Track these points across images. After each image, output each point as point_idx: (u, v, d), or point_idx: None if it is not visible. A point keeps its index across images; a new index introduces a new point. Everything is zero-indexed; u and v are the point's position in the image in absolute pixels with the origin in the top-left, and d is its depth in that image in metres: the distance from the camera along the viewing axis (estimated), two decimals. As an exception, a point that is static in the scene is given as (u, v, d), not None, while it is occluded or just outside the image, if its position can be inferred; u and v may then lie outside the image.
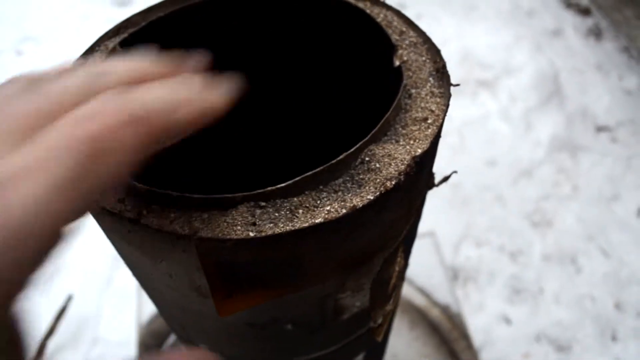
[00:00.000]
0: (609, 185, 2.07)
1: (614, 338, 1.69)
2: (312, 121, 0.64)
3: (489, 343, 1.69)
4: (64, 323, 1.76)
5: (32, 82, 0.28)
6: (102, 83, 0.27)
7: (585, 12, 2.71)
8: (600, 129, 2.25)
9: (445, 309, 1.46)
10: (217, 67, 0.54)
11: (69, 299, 1.78)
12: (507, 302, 1.80)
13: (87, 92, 0.26)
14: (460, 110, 2.22)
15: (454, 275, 1.86)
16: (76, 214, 0.25)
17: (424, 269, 1.52)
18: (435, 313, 1.44)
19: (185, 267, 0.34)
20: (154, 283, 0.41)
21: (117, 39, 0.46)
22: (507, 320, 1.75)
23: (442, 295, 1.49)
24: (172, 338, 1.48)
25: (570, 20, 2.68)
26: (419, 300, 1.47)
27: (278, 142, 0.67)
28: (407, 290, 1.44)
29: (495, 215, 2.01)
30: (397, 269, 0.41)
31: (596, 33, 2.60)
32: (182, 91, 0.29)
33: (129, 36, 0.45)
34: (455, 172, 0.44)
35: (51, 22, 2.85)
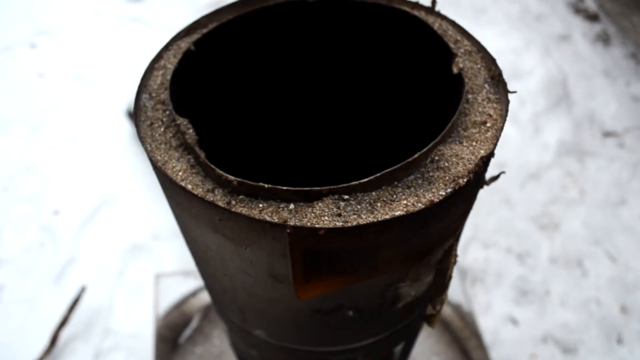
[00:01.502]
0: (616, 190, 2.11)
1: (619, 341, 1.72)
2: (367, 121, 0.67)
3: (496, 343, 1.72)
4: (77, 314, 1.79)
5: None
6: None
7: (593, 18, 2.74)
8: (607, 134, 2.28)
9: (456, 308, 1.49)
10: (280, 68, 0.57)
11: (82, 290, 1.80)
12: (514, 303, 1.83)
13: None
14: (470, 113, 2.25)
15: (462, 276, 1.89)
16: None
17: (437, 268, 1.55)
18: (447, 311, 1.47)
19: (269, 254, 0.37)
20: (227, 269, 0.44)
21: (189, 39, 0.49)
22: (514, 321, 1.78)
23: (454, 294, 1.52)
24: (189, 331, 1.51)
25: (578, 26, 2.71)
26: (431, 298, 1.50)
27: (331, 138, 0.70)
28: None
29: (503, 218, 2.04)
30: (453, 260, 0.44)
31: (604, 39, 2.64)
32: None
33: (202, 37, 0.48)
34: (503, 172, 0.47)
35: (65, 16, 2.88)
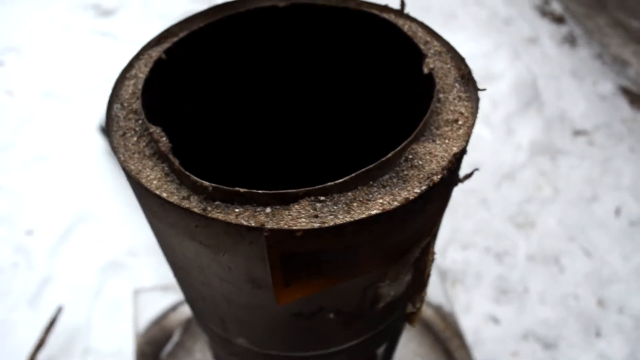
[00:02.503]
0: (588, 187, 2.15)
1: (598, 334, 1.75)
2: (341, 123, 0.68)
3: (478, 343, 1.73)
4: (54, 335, 1.75)
5: None
6: None
7: (559, 20, 2.81)
8: (577, 132, 2.33)
9: (438, 309, 1.50)
10: (253, 73, 0.57)
11: (59, 310, 1.77)
12: (494, 302, 1.85)
13: None
14: (443, 117, 2.28)
15: (442, 277, 1.91)
16: None
17: (417, 270, 1.56)
18: (428, 313, 1.48)
19: (247, 259, 0.37)
20: (205, 277, 0.44)
21: (159, 48, 0.49)
22: (495, 320, 1.80)
23: (435, 295, 1.53)
24: (170, 346, 1.49)
25: (545, 28, 2.77)
26: (412, 301, 1.50)
27: (308, 141, 0.70)
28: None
29: (480, 219, 2.07)
30: (430, 258, 0.44)
31: (570, 40, 2.70)
32: None
33: (173, 45, 0.48)
34: (477, 169, 0.47)
35: (33, 32, 2.84)
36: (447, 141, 0.40)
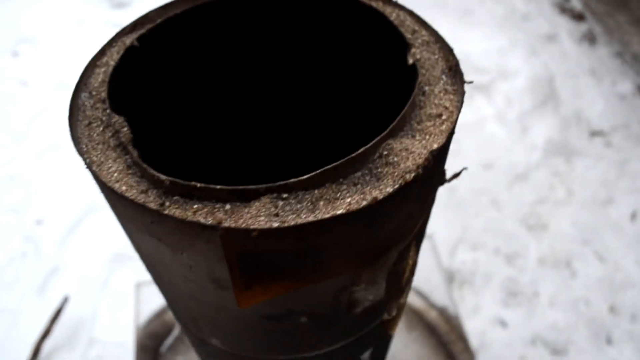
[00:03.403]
0: (603, 189, 2.10)
1: (608, 341, 1.70)
2: (326, 117, 0.65)
3: (485, 346, 1.70)
4: (60, 324, 1.76)
5: None
6: None
7: (579, 17, 2.74)
8: (594, 133, 2.27)
9: (442, 311, 1.47)
10: (232, 63, 0.55)
11: (65, 300, 1.78)
12: (503, 305, 1.81)
13: None
14: (456, 114, 2.24)
15: (450, 278, 1.87)
16: None
17: (422, 271, 1.53)
18: (432, 315, 1.45)
19: (206, 258, 0.35)
20: (170, 275, 0.42)
21: (134, 35, 0.47)
22: (503, 324, 1.76)
23: (440, 297, 1.49)
24: (170, 339, 1.48)
25: (564, 26, 2.71)
26: (416, 302, 1.47)
27: (293, 137, 0.68)
28: (405, 292, 1.45)
29: (490, 219, 2.02)
30: (410, 262, 0.42)
31: (590, 38, 2.64)
32: None
33: (147, 32, 0.46)
34: (465, 168, 0.45)
35: (48, 23, 2.85)
36: (427, 137, 0.37)
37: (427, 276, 1.51)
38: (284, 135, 0.67)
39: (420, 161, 0.35)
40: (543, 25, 2.67)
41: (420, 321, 1.44)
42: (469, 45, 2.53)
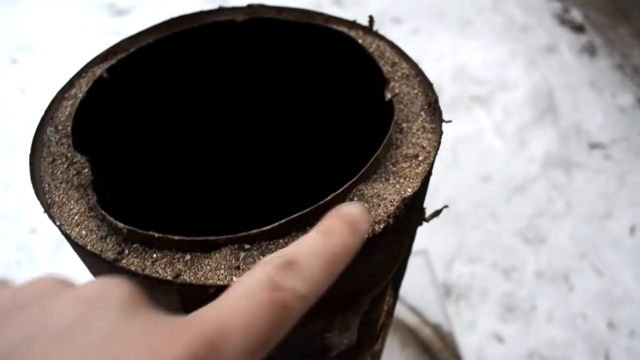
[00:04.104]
0: (603, 202, 2.08)
1: (606, 357, 1.68)
2: (302, 155, 0.63)
3: (481, 361, 1.68)
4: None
5: None
6: None
7: (579, 29, 2.72)
8: (594, 146, 2.25)
9: (436, 329, 1.45)
10: (204, 96, 0.53)
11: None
12: (500, 320, 1.79)
13: None
14: (454, 126, 2.22)
15: (446, 292, 1.85)
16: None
17: (416, 288, 1.51)
18: (426, 332, 1.43)
19: (167, 308, 0.33)
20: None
21: (106, 65, 0.45)
22: (500, 339, 1.74)
23: (434, 314, 1.48)
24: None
25: (564, 37, 2.69)
26: (410, 319, 1.45)
27: (267, 178, 0.66)
28: (398, 309, 1.43)
29: (488, 232, 2.01)
30: (385, 308, 0.40)
31: (590, 50, 2.62)
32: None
33: (117, 62, 0.44)
34: (446, 206, 0.43)
35: (48, 31, 2.84)
36: (402, 180, 0.36)
37: (421, 293, 1.49)
38: (259, 173, 0.66)
39: (391, 209, 0.33)
40: (543, 37, 2.66)
41: (414, 338, 1.42)
42: (468, 56, 2.52)
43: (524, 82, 2.40)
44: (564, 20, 2.77)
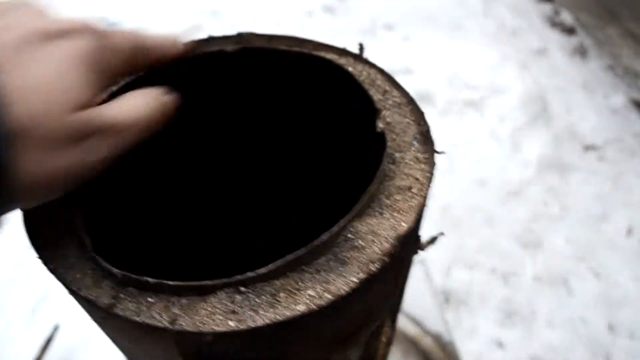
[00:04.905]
0: (598, 204, 2.08)
1: (607, 360, 1.68)
2: (293, 188, 0.63)
3: (482, 368, 1.68)
4: (50, 354, 1.73)
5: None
6: None
7: (570, 31, 2.73)
8: (587, 147, 2.26)
9: (437, 338, 1.45)
10: (193, 127, 0.53)
11: (55, 329, 1.75)
12: (500, 325, 1.79)
13: None
14: (448, 131, 2.23)
15: (446, 299, 1.85)
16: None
17: (415, 297, 1.51)
18: (427, 342, 1.43)
19: (163, 350, 0.33)
20: (131, 354, 0.40)
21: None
22: (500, 345, 1.74)
23: (434, 323, 1.47)
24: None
25: (555, 40, 2.70)
26: (410, 329, 1.45)
27: (257, 210, 0.66)
28: (399, 320, 1.43)
29: (485, 237, 2.01)
30: (384, 340, 0.40)
31: (581, 52, 2.63)
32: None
33: (107, 97, 0.44)
34: (442, 233, 0.43)
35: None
36: (396, 214, 0.36)
37: (420, 302, 1.49)
38: (249, 205, 0.65)
39: (386, 247, 0.33)
40: (533, 40, 2.67)
41: (415, 348, 1.42)
42: (460, 60, 2.52)
43: (517, 86, 2.41)
44: (554, 23, 2.78)
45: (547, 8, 2.89)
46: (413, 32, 2.73)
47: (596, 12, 2.74)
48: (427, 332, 1.44)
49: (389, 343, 0.42)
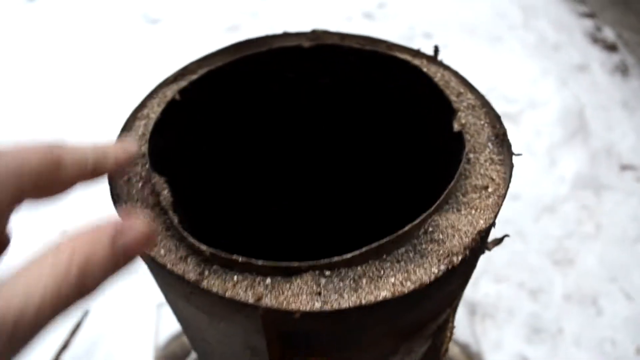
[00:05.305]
0: (633, 225, 2.05)
1: (635, 384, 1.65)
2: (362, 183, 0.64)
3: (506, 383, 1.66)
4: (79, 338, 1.76)
5: None
6: None
7: (611, 48, 2.70)
8: (625, 167, 2.22)
9: (464, 348, 1.44)
10: (277, 117, 0.54)
11: (85, 313, 1.79)
12: (526, 341, 1.77)
13: None
14: (483, 143, 2.21)
15: (472, 310, 1.84)
16: None
17: (445, 305, 1.50)
18: (455, 351, 1.42)
19: (244, 329, 0.34)
20: (204, 337, 0.41)
21: (175, 87, 0.47)
22: (526, 360, 1.72)
23: (462, 333, 1.47)
24: (189, 361, 1.47)
25: (596, 56, 2.67)
26: (438, 336, 1.45)
27: (333, 204, 0.67)
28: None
29: (515, 251, 1.99)
30: (448, 334, 0.40)
31: (622, 69, 2.59)
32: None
33: (189, 85, 0.45)
34: (507, 235, 0.43)
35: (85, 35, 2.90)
36: (473, 212, 0.36)
37: (450, 311, 1.48)
38: (325, 195, 0.66)
39: (467, 241, 0.34)
40: (574, 55, 2.64)
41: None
42: (498, 72, 2.51)
43: (555, 101, 2.39)
44: (596, 39, 2.75)
45: (589, 24, 2.86)
46: (452, 41, 2.72)
47: (639, 30, 2.70)
48: (455, 341, 1.44)
49: (450, 337, 0.43)
